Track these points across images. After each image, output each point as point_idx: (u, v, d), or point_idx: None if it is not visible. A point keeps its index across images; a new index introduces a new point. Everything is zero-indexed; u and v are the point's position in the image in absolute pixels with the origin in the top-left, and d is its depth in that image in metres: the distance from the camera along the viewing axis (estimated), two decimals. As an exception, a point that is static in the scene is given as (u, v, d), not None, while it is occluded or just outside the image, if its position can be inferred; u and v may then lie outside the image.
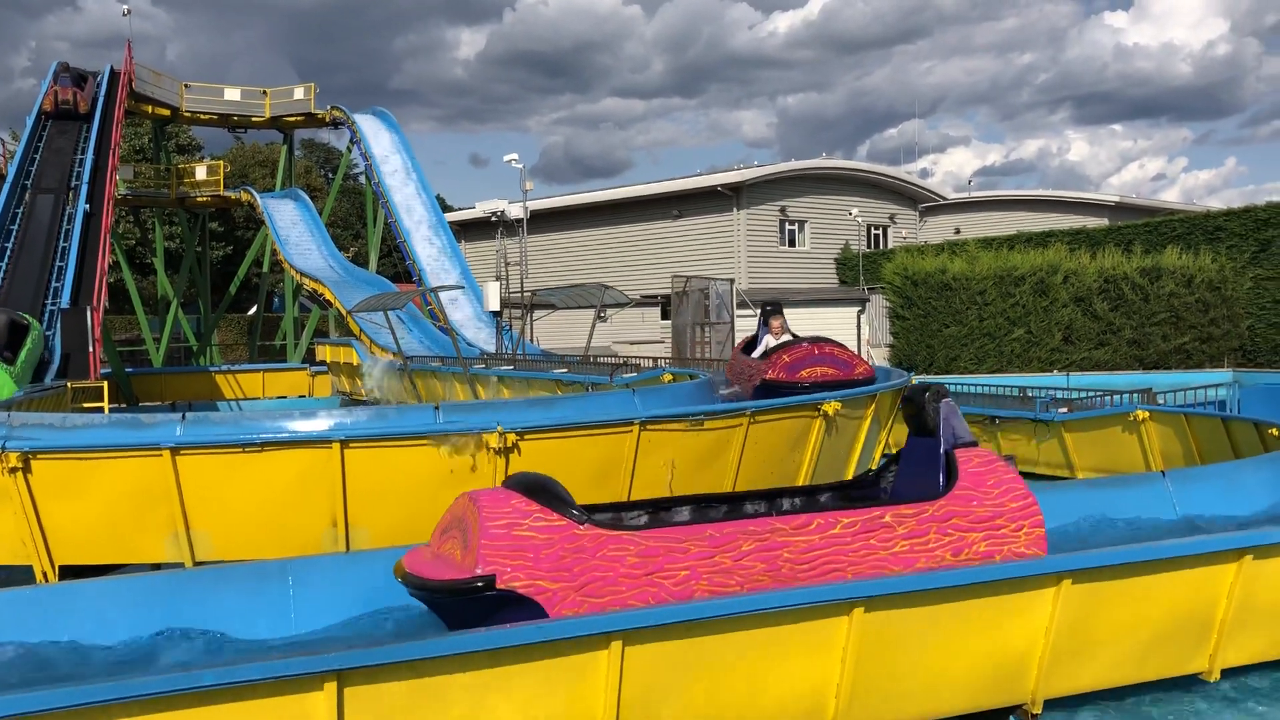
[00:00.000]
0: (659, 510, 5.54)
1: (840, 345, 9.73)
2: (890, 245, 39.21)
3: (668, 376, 13.37)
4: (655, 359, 20.22)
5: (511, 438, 7.26)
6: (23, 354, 15.89)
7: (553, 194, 40.84)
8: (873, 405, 8.95)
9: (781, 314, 10.69)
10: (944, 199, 42.45)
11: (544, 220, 38.81)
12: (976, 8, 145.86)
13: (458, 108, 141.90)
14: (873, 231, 39.91)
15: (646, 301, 33.96)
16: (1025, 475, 13.23)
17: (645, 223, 38.73)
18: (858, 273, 36.52)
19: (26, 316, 17.43)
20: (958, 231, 39.54)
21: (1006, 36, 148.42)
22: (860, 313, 33.72)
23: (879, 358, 28.50)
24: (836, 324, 30.68)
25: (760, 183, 36.29)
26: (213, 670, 4.01)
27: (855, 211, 37.42)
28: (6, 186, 22.95)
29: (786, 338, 10.30)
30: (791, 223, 37.71)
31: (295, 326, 34.86)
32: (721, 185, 35.91)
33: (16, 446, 6.77)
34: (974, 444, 5.62)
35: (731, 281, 27.14)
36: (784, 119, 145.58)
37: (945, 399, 5.68)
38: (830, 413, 8.27)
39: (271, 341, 38.38)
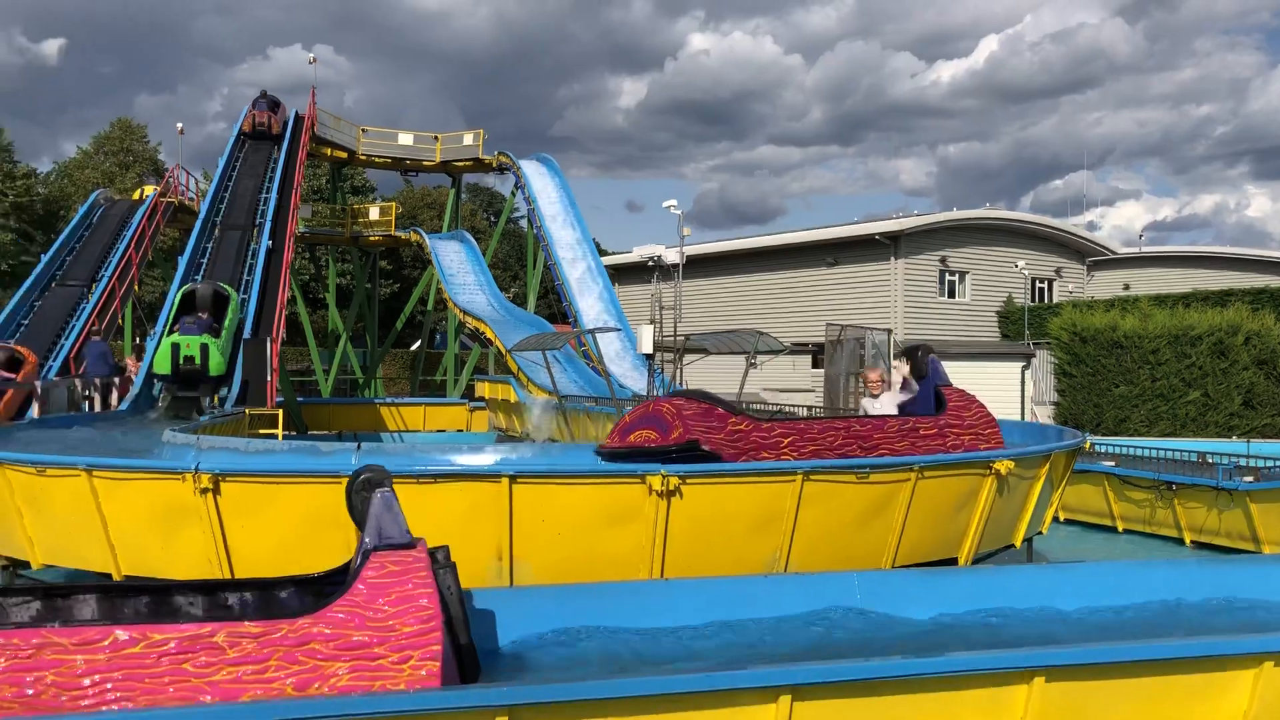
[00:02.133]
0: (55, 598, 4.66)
1: (680, 401, 8.22)
2: (1055, 299, 37.88)
3: (825, 426, 13.16)
4: (809, 408, 19.97)
5: (674, 481, 7.26)
6: (226, 325, 18.38)
7: (706, 240, 41.07)
8: (1046, 465, 8.61)
9: (905, 358, 9.24)
10: (1113, 253, 40.81)
11: (698, 265, 39.01)
12: (1152, 58, 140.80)
13: (616, 155, 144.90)
14: (1037, 285, 38.65)
15: (798, 349, 33.66)
16: (1204, 547, 12.53)
17: (799, 270, 38.50)
18: (1022, 326, 35.37)
19: (226, 286, 19.62)
20: (1127, 287, 37.91)
21: (1183, 87, 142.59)
22: (1025, 368, 32.60)
23: (1043, 416, 27.46)
24: (999, 379, 29.74)
25: (919, 232, 35.64)
26: (394, 697, 4.11)
27: (1022, 264, 36.35)
28: (199, 222, 24.51)
29: (891, 395, 9.27)
30: (952, 273, 36.86)
31: (456, 363, 35.92)
32: (879, 234, 35.43)
33: (208, 468, 7.14)
34: (408, 544, 4.53)
35: (889, 331, 26.65)
36: (944, 168, 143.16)
37: (382, 488, 4.67)
38: (1003, 472, 7.99)
39: (432, 376, 39.62)
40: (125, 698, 4.03)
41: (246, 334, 19.65)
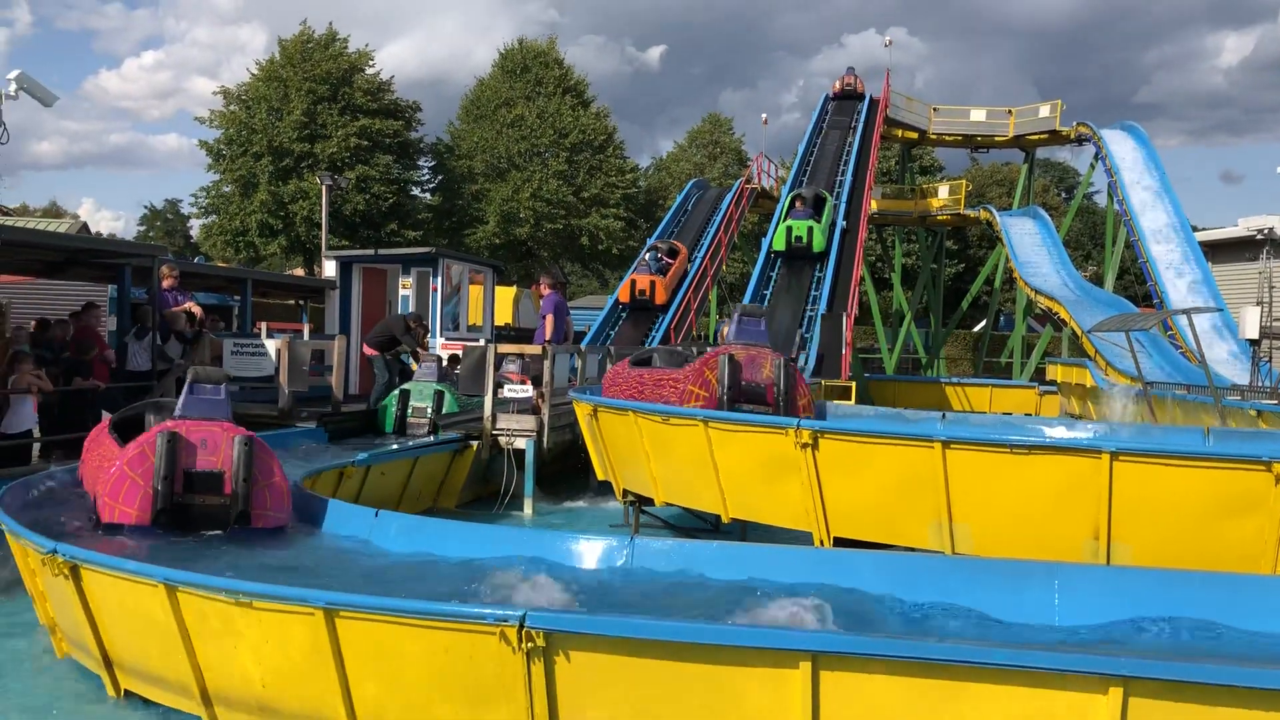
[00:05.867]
0: None
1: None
2: None
3: None
4: None
5: (1307, 471, 6.46)
6: (824, 216, 24.12)
7: (1329, 211, 35.15)
8: None
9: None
10: None
11: (1317, 240, 33.74)
12: None
13: (1213, 120, 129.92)
14: None
15: None
16: None
17: None
18: None
19: (824, 191, 25.14)
20: None
21: None
22: None
23: None
24: None
25: None
26: (1005, 650, 4.18)
27: None
28: (780, 207, 26.10)
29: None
30: None
31: (1023, 345, 34.67)
32: None
33: (809, 425, 7.67)
34: (177, 418, 7.05)
35: None
36: None
37: (185, 380, 7.25)
38: None
39: (996, 359, 38.61)
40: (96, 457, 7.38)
41: (822, 310, 20.66)
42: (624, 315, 24.19)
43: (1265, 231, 24.83)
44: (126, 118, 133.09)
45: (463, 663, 4.54)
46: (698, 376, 9.15)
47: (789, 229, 23.65)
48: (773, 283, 23.63)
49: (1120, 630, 5.56)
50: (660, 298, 23.72)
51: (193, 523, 6.82)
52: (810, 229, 23.39)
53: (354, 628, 4.70)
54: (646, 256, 25.48)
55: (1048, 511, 7.02)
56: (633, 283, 24.12)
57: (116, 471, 6.77)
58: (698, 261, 25.78)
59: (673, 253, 25.57)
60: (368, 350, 14.30)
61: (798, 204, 24.62)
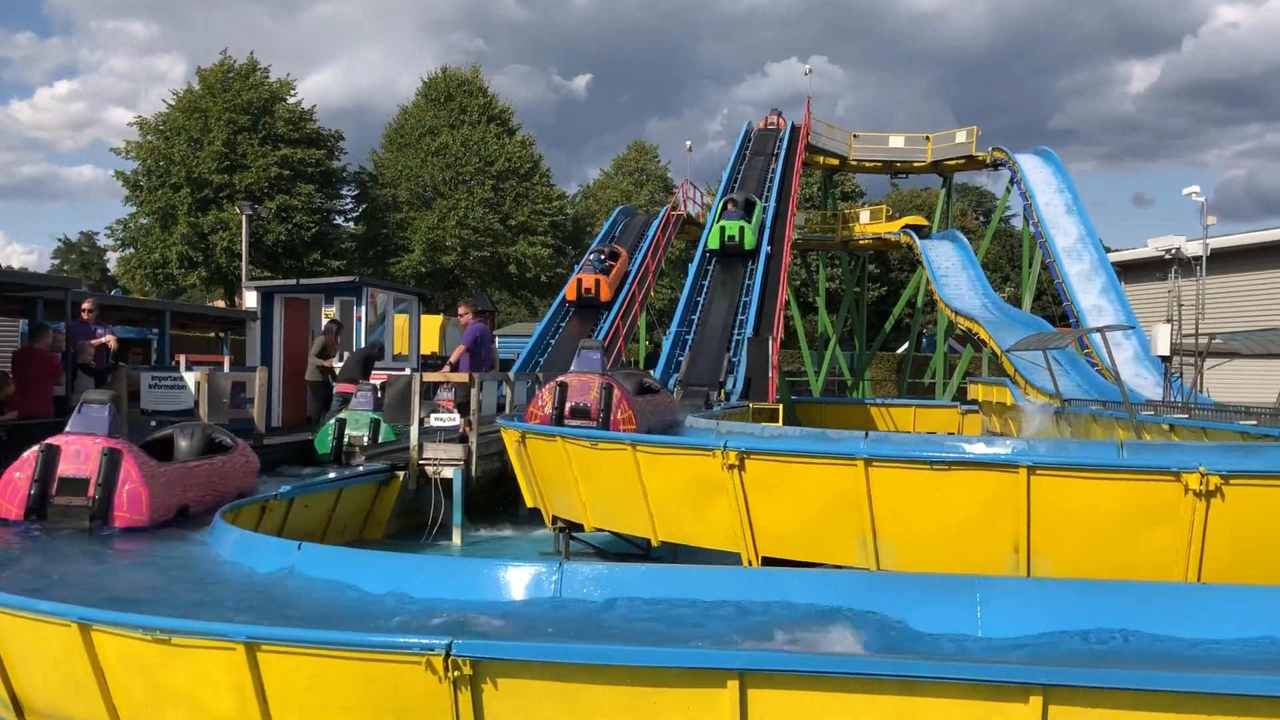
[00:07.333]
0: None
1: None
2: None
3: (1398, 436, 11.33)
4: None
5: (1215, 481, 6.67)
6: (754, 217, 25.67)
7: (1230, 233, 36.55)
8: None
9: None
10: None
11: (1223, 260, 34.92)
12: None
13: (1123, 145, 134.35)
14: None
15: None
16: None
17: (1352, 263, 33.15)
18: None
19: (753, 196, 27.03)
20: None
21: None
22: None
23: None
24: None
25: None
26: (928, 663, 4.25)
27: None
28: (706, 231, 26.33)
29: None
30: None
31: (945, 365, 35.31)
32: None
33: (735, 446, 7.73)
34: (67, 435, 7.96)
35: None
36: None
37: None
38: None
39: (920, 379, 39.29)
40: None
41: (749, 334, 20.84)
42: (570, 313, 25.75)
43: (1173, 251, 25.61)
44: (39, 149, 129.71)
45: (388, 693, 4.47)
46: (538, 399, 10.98)
47: (722, 229, 25.33)
48: (706, 287, 24.52)
49: (1042, 640, 5.67)
50: (605, 295, 25.46)
51: (59, 518, 7.85)
52: (742, 228, 25.15)
53: (277, 661, 4.61)
54: (590, 258, 27.43)
55: (969, 526, 7.15)
56: (579, 281, 25.73)
57: (6, 475, 7.86)
58: (627, 286, 25.93)
59: (614, 255, 27.23)
60: (345, 388, 14.43)
61: (729, 206, 26.19)
